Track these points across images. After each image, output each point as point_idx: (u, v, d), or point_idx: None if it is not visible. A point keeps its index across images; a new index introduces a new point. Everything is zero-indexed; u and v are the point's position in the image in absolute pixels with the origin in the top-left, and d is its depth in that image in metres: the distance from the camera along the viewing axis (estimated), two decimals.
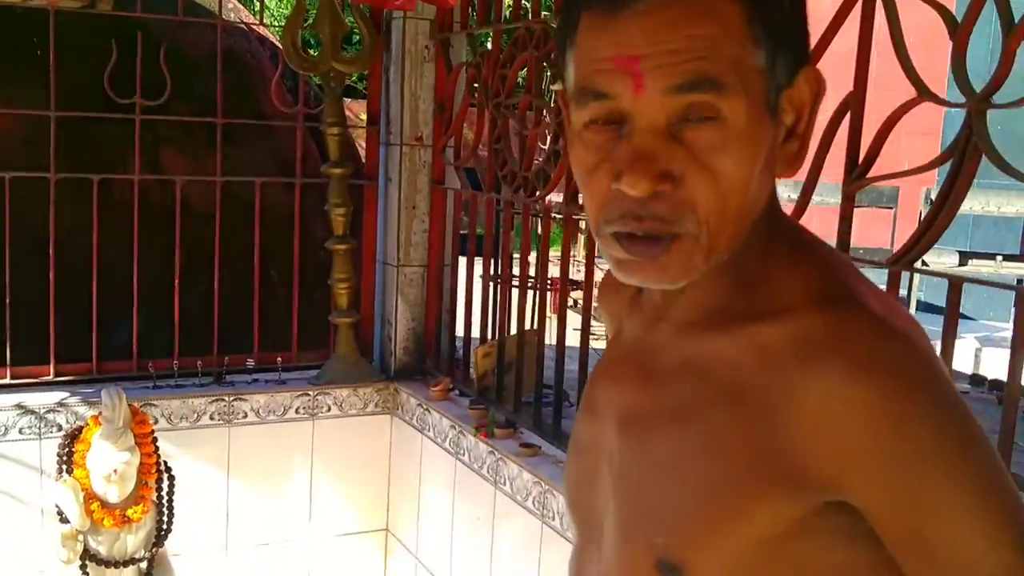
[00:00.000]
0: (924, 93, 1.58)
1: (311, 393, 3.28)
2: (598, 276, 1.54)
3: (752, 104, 0.80)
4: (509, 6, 2.96)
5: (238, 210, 3.36)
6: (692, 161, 0.80)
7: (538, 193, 2.81)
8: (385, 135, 3.44)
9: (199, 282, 3.38)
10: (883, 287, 0.95)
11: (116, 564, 2.59)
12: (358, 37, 3.37)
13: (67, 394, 3.02)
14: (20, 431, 2.91)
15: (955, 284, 1.60)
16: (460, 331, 3.29)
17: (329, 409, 3.31)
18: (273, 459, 3.25)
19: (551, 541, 2.52)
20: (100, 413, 2.58)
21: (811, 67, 0.85)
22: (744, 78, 0.79)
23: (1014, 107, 1.44)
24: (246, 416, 3.18)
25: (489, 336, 3.20)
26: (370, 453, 3.39)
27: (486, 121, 3.03)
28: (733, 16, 0.79)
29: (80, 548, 2.54)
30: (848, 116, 1.73)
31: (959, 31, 1.52)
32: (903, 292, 6.94)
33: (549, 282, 3.67)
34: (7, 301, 3.01)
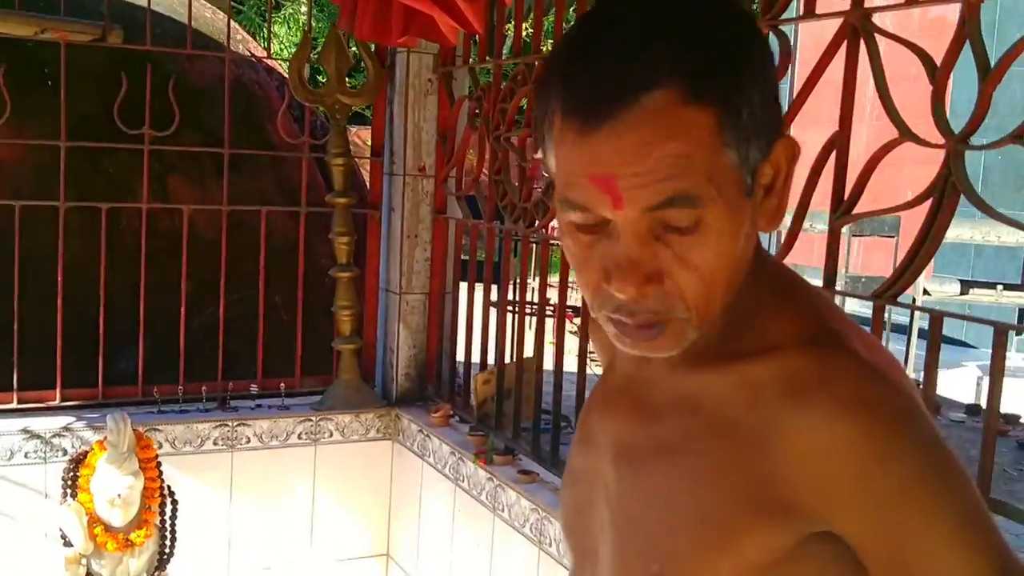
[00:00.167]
0: (905, 133, 1.63)
1: (313, 419, 3.32)
2: None
3: (729, 201, 0.82)
4: (510, 39, 3.03)
5: (244, 238, 3.42)
6: (676, 260, 0.83)
7: (537, 223, 2.86)
8: (389, 165, 3.51)
9: (204, 309, 3.43)
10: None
11: None
12: (363, 68, 3.45)
13: (73, 419, 3.06)
14: (26, 455, 2.96)
15: (935, 318, 1.65)
16: (461, 356, 3.34)
17: (331, 435, 3.35)
18: (275, 484, 3.28)
19: (548, 568, 2.55)
20: (105, 438, 2.62)
21: (785, 138, 0.87)
22: (719, 182, 0.81)
23: (991, 148, 1.49)
24: (249, 441, 3.23)
25: (489, 363, 3.25)
26: (371, 479, 3.43)
27: (487, 152, 3.09)
28: (704, 127, 0.80)
29: (83, 572, 2.58)
30: (834, 154, 1.78)
31: (938, 75, 1.57)
32: (904, 321, 6.97)
33: (551, 309, 3.71)
34: (15, 326, 3.06)
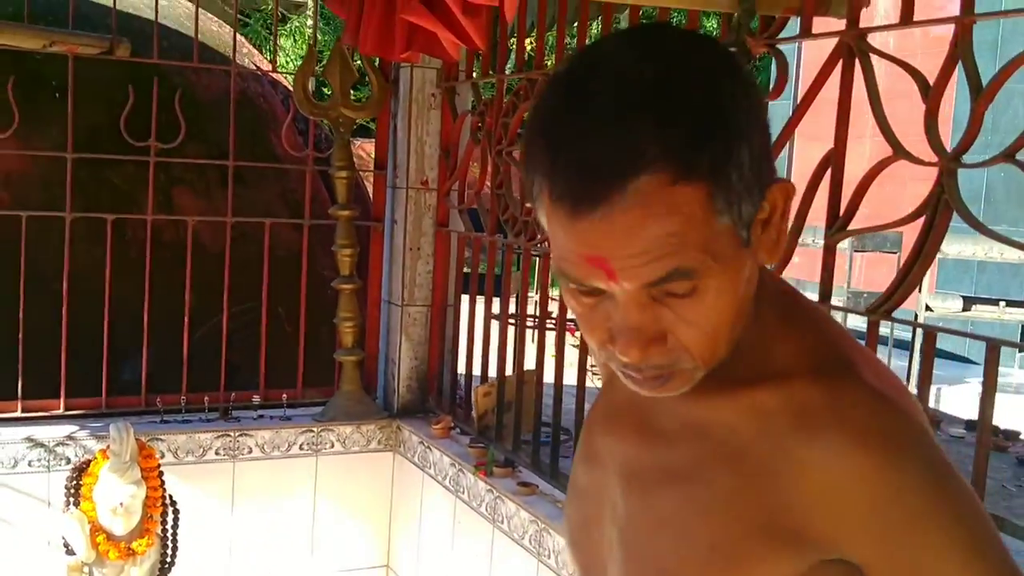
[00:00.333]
0: (899, 151, 1.66)
1: (315, 429, 3.34)
2: None
3: (726, 262, 0.81)
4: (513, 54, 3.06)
5: (247, 249, 3.45)
6: (678, 320, 0.82)
7: (538, 237, 2.89)
8: (392, 178, 3.54)
9: (208, 320, 3.46)
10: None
11: None
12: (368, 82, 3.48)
13: (76, 428, 3.08)
14: (29, 464, 2.98)
15: (929, 333, 1.67)
16: (462, 368, 3.36)
17: (332, 445, 3.37)
18: (276, 494, 3.30)
19: None
20: (108, 447, 2.64)
21: (778, 183, 0.85)
22: (714, 250, 0.80)
23: (983, 167, 1.51)
24: (251, 451, 3.24)
25: (490, 375, 3.27)
26: (372, 490, 3.44)
27: (489, 166, 3.12)
28: (695, 201, 0.78)
29: None
30: (829, 170, 1.81)
31: (931, 94, 1.60)
32: (906, 336, 6.97)
33: (551, 321, 3.72)
34: (20, 336, 3.09)
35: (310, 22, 12.60)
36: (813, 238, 5.78)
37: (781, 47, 2.00)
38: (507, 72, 3.06)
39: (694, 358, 0.84)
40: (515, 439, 2.94)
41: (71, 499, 2.64)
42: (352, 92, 3.43)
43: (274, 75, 4.56)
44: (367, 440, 3.42)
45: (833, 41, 1.85)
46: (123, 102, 3.16)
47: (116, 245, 3.22)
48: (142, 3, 3.85)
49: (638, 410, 0.97)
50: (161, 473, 2.72)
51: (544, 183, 0.80)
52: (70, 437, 3.03)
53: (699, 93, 0.78)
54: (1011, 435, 4.63)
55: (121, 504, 2.58)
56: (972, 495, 0.83)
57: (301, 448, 3.32)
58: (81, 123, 3.19)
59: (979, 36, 1.67)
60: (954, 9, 1.66)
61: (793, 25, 2.01)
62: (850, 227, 1.78)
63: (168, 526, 2.74)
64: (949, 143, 1.62)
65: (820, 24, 1.95)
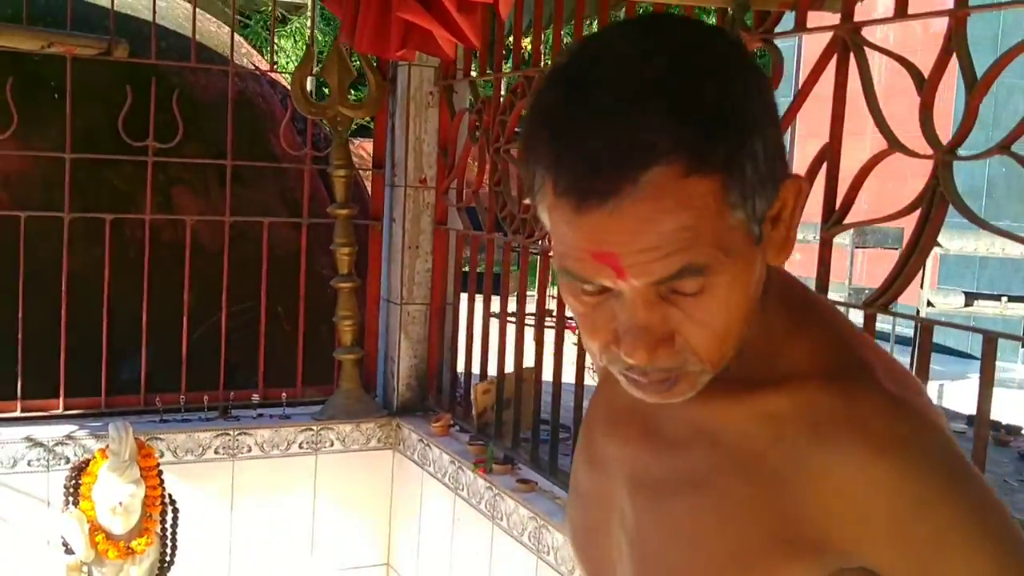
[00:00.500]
0: (894, 144, 1.66)
1: (314, 428, 3.34)
2: None
3: (738, 258, 0.78)
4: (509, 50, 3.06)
5: (246, 248, 3.45)
6: (687, 319, 0.79)
7: (537, 235, 2.89)
8: (390, 177, 3.54)
9: (207, 319, 3.46)
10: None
11: None
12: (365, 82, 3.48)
13: (75, 427, 3.09)
14: (29, 463, 2.99)
15: (926, 327, 1.66)
16: (461, 366, 3.36)
17: (332, 444, 3.37)
18: (276, 493, 3.30)
19: None
20: (107, 446, 2.65)
21: (791, 179, 0.82)
22: (726, 245, 0.77)
23: (978, 159, 1.51)
24: (250, 450, 3.24)
25: (489, 373, 3.27)
26: (372, 488, 3.44)
27: (487, 164, 3.12)
28: (709, 195, 0.75)
29: None
30: (825, 164, 1.81)
31: (926, 87, 1.59)
32: (909, 333, 6.97)
33: (552, 316, 3.72)
34: (19, 335, 3.09)
35: (309, 22, 12.60)
36: (815, 234, 5.78)
37: (777, 42, 2.00)
38: (504, 70, 3.06)
39: (701, 360, 0.81)
40: (514, 436, 2.94)
41: (70, 498, 2.64)
42: (351, 91, 3.43)
43: (272, 75, 4.56)
44: (367, 438, 3.42)
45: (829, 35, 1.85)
46: (121, 102, 3.16)
47: (115, 245, 3.22)
48: (140, 4, 3.86)
49: (642, 414, 0.94)
50: (160, 472, 2.72)
51: (547, 176, 0.76)
52: (69, 436, 3.04)
53: (712, 82, 0.75)
54: (1013, 430, 4.64)
55: (120, 503, 2.58)
56: (994, 498, 0.81)
57: (301, 447, 3.32)
58: (80, 123, 3.20)
59: (979, 31, 1.67)
60: (950, 2, 1.65)
61: (788, 20, 2.01)
62: (847, 221, 1.78)
63: (167, 525, 2.75)
64: (950, 137, 1.62)
65: (816, 19, 1.95)
